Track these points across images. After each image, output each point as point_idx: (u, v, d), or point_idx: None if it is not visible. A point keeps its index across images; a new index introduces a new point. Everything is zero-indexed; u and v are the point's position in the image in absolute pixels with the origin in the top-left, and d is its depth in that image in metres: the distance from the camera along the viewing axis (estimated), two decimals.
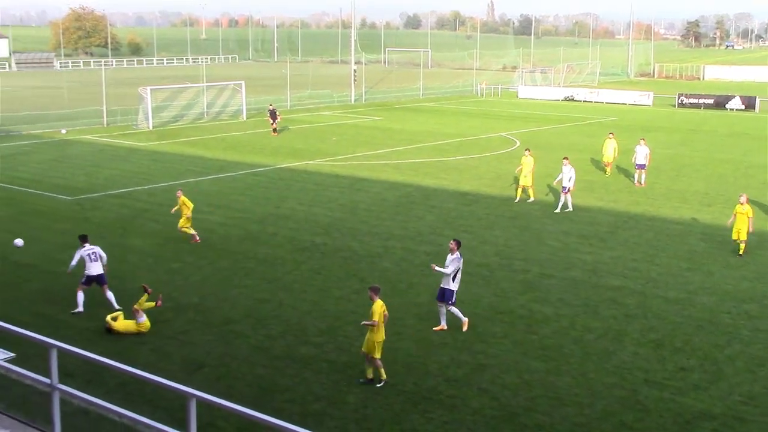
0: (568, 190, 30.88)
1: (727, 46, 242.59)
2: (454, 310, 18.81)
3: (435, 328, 18.88)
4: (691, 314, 20.28)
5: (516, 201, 32.53)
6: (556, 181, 31.78)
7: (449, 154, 45.17)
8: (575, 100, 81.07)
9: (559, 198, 31.45)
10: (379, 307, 15.82)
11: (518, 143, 49.85)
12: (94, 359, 8.29)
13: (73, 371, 15.93)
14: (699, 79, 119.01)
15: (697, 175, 39.76)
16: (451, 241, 19.05)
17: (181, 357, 17.34)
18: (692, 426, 14.58)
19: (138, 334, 18.40)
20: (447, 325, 18.93)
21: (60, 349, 8.31)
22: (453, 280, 18.53)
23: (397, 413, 14.90)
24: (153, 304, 18.90)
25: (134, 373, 8.02)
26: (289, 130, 54.55)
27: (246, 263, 24.12)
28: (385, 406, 15.11)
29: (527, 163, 32.75)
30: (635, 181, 36.61)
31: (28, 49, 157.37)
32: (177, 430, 7.47)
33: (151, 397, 15.13)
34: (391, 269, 23.69)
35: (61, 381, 8.35)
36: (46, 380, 8.30)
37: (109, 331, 18.49)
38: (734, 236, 25.54)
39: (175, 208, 26.73)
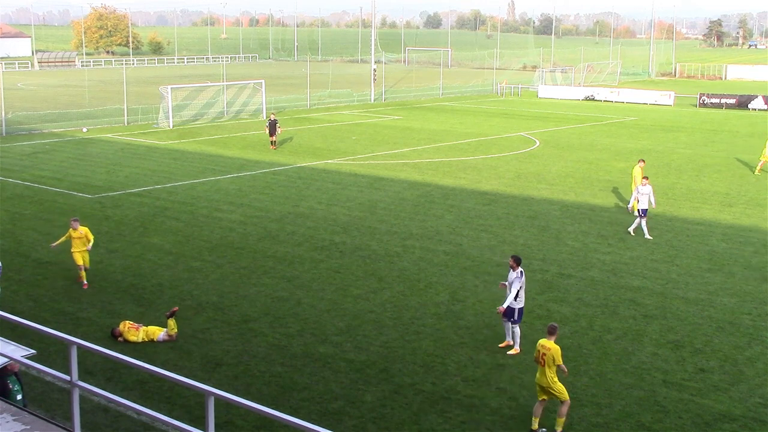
0: (646, 213, 27.71)
1: (750, 46, 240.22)
2: (516, 330, 17.87)
3: (500, 345, 18.12)
4: (711, 315, 20.16)
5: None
6: (631, 204, 29.03)
7: (469, 154, 45.10)
8: (596, 100, 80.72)
9: (637, 222, 27.88)
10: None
11: (538, 143, 49.72)
12: (114, 357, 8.34)
13: (93, 369, 16.09)
14: (721, 78, 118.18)
15: (718, 175, 39.47)
16: (510, 259, 17.79)
17: (199, 355, 17.42)
18: (711, 428, 14.50)
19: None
20: (520, 348, 17.83)
21: (80, 347, 8.36)
22: (516, 298, 17.50)
23: (415, 413, 14.90)
24: (173, 321, 18.42)
25: (153, 370, 8.06)
26: (307, 131, 54.65)
27: (265, 262, 24.20)
28: (403, 406, 15.12)
29: (638, 173, 30.22)
30: None
31: (50, 48, 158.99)
32: (195, 427, 7.50)
33: (170, 395, 15.25)
34: (409, 268, 23.69)
35: (81, 378, 8.41)
36: (66, 377, 8.36)
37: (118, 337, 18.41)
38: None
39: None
